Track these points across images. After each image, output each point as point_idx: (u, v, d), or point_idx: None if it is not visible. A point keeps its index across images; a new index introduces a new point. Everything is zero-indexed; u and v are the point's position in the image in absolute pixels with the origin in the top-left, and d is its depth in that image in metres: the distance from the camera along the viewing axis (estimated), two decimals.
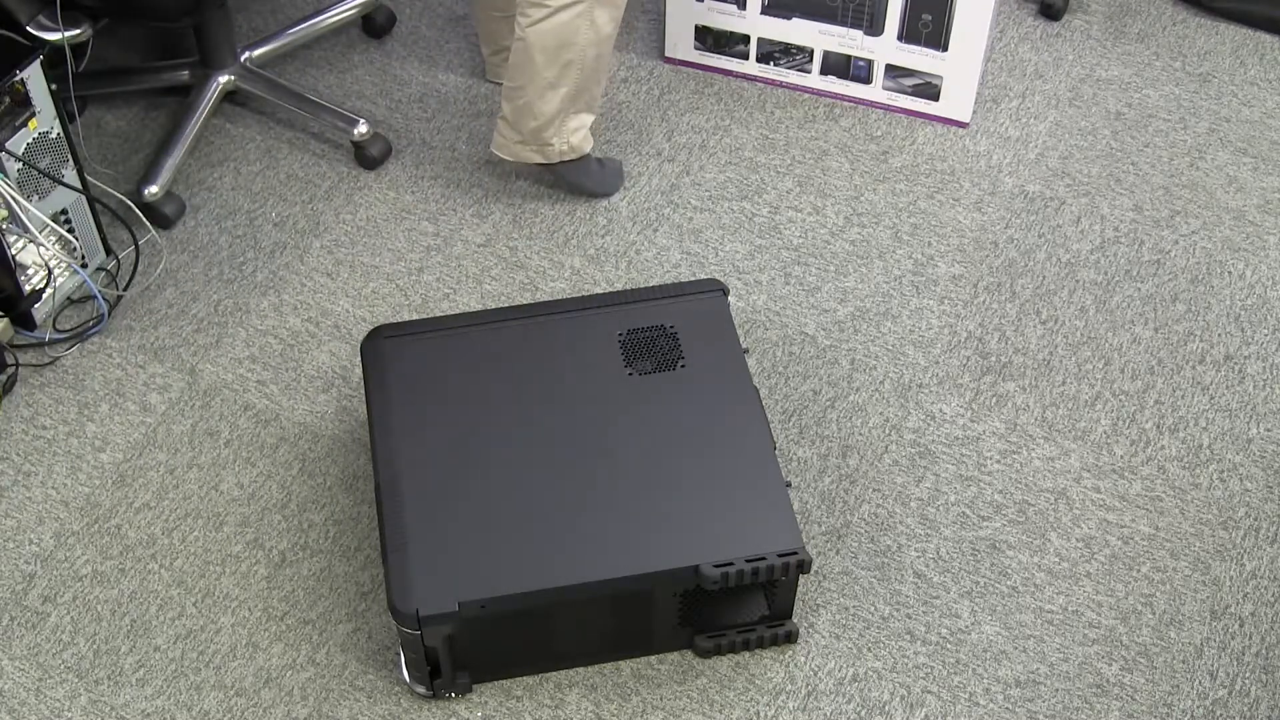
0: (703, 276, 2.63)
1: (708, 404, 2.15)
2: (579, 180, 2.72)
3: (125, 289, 2.61)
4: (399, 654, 2.13)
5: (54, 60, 2.43)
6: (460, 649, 2.03)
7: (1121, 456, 2.38)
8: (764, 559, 1.99)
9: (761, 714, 2.10)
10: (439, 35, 3.09)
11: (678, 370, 2.19)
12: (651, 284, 2.61)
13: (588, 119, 2.63)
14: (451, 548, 2.00)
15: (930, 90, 2.85)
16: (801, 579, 2.21)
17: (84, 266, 2.56)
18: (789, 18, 2.85)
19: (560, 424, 2.13)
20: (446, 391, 2.17)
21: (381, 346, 2.23)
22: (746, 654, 2.16)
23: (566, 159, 2.66)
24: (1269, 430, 2.42)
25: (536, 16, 2.47)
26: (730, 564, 1.99)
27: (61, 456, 2.40)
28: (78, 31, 2.46)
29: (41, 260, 2.50)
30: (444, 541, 2.01)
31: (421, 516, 2.03)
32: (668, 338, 2.23)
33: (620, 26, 2.70)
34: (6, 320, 2.50)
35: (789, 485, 2.13)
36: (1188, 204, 2.75)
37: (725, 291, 2.28)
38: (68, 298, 2.57)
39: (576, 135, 2.62)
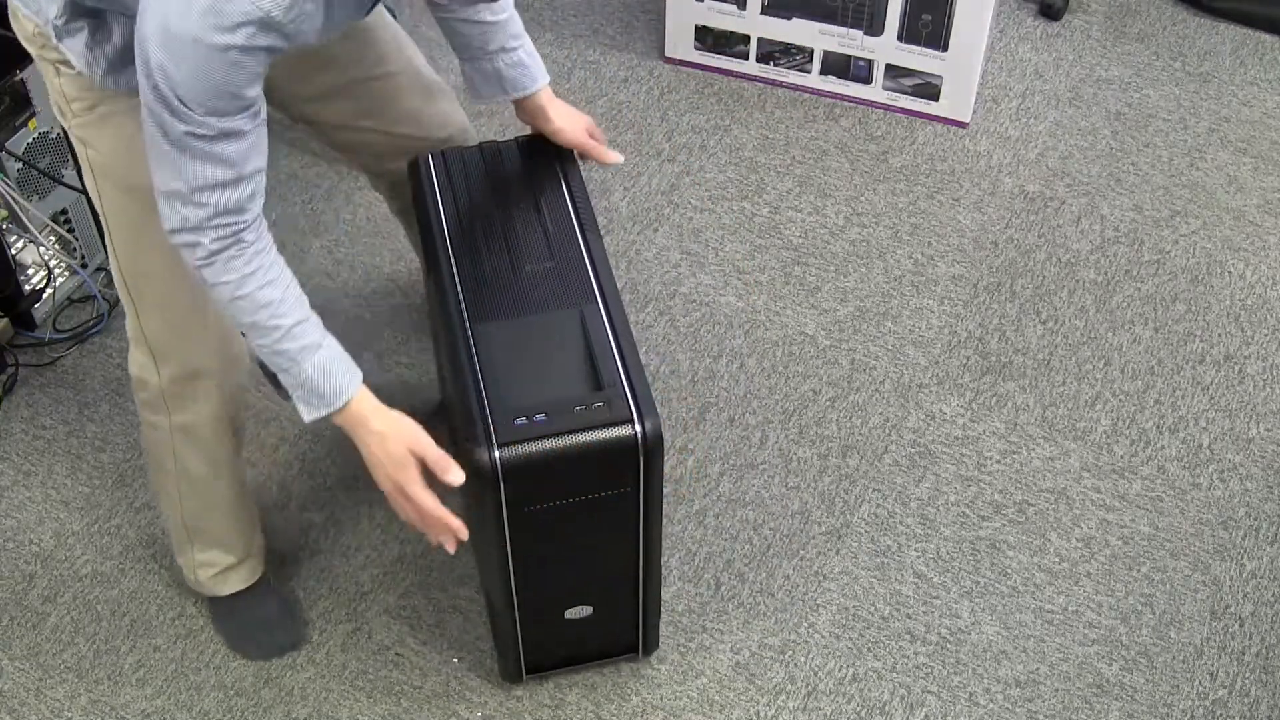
0: (702, 276, 2.63)
1: None
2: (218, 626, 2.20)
3: None
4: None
5: None
6: None
7: (1121, 456, 2.38)
8: None
9: (761, 714, 2.10)
10: (439, 34, 3.08)
11: None
12: (652, 284, 2.61)
13: (222, 559, 2.12)
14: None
15: (930, 90, 2.85)
16: (802, 579, 2.21)
17: (84, 266, 2.56)
18: (789, 18, 2.85)
19: None
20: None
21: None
22: (747, 653, 2.16)
23: (201, 591, 2.19)
24: (1269, 430, 2.42)
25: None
26: None
27: (61, 456, 2.40)
28: None
29: (41, 260, 2.50)
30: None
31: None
32: None
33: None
34: (6, 320, 2.50)
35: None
36: (1188, 204, 2.75)
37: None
38: (68, 298, 2.57)
39: (204, 571, 2.13)
